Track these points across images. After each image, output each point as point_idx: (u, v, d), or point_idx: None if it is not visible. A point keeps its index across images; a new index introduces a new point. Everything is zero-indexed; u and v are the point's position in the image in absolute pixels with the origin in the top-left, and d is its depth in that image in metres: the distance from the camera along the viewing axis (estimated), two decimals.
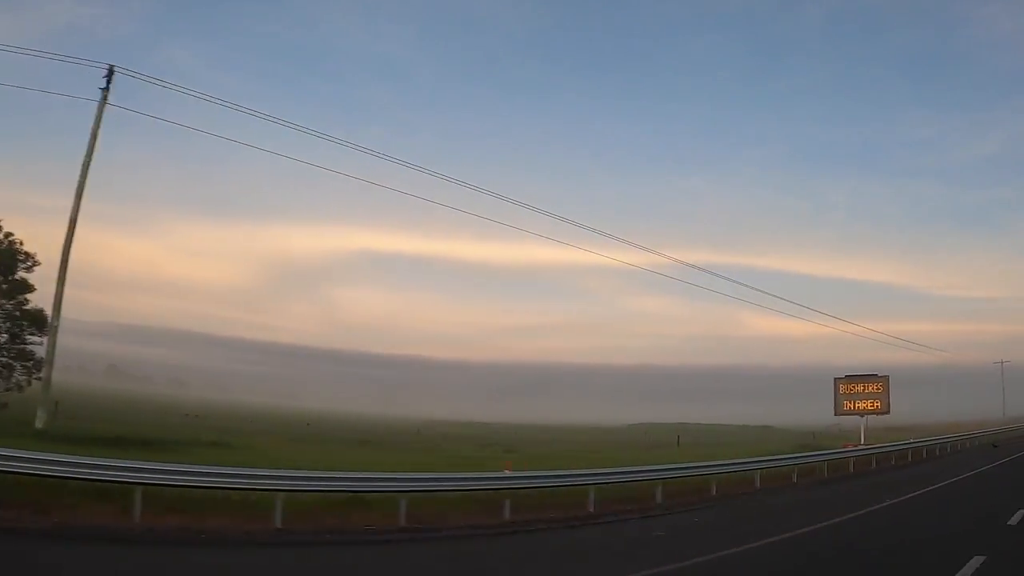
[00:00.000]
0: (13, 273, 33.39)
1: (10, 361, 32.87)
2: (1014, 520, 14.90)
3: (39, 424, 25.26)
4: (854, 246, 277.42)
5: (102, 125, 27.44)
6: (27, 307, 33.30)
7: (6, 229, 33.56)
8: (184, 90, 29.45)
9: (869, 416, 44.03)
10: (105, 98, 27.27)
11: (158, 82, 27.35)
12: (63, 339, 27.75)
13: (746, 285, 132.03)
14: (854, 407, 44.38)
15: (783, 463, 26.96)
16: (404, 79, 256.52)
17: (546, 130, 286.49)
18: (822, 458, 30.54)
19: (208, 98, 29.21)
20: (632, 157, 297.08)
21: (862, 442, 40.46)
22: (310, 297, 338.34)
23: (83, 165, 27.56)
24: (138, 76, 26.70)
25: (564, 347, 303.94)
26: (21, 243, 33.71)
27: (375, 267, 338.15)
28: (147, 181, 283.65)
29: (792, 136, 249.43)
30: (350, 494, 15.44)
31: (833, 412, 45.83)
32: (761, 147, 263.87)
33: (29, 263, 33.54)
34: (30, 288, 33.51)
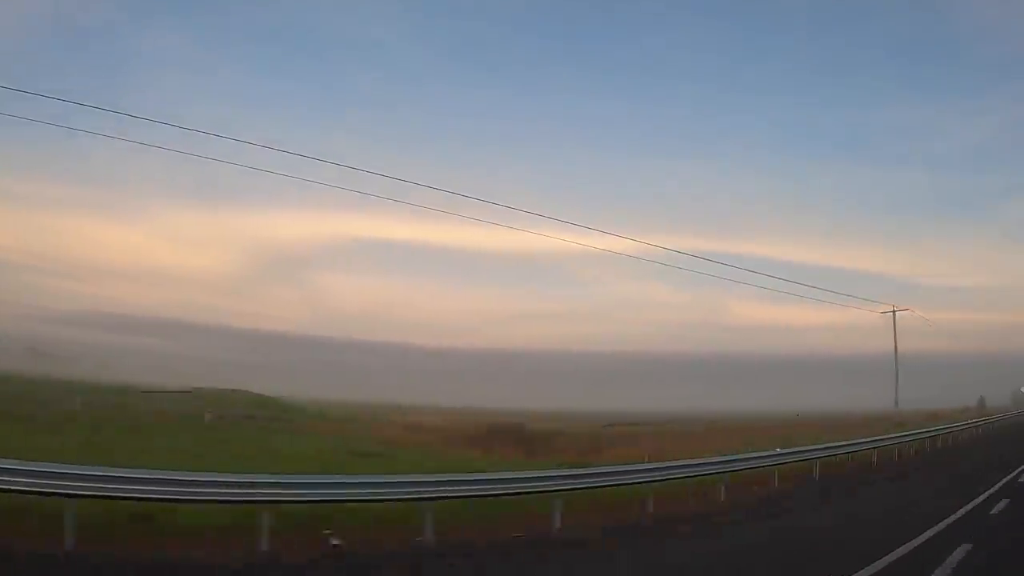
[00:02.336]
0: None
1: None
2: None
3: None
4: (840, 233, 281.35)
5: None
6: None
7: None
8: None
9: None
10: None
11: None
12: None
13: (735, 267, 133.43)
14: None
15: None
16: (389, 60, 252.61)
17: (532, 114, 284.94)
18: None
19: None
20: (617, 141, 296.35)
21: None
22: (294, 284, 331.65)
23: None
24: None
25: (553, 334, 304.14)
26: None
27: (361, 253, 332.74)
28: (130, 167, 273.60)
29: (778, 122, 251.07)
30: None
31: None
32: (747, 132, 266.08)
33: None
34: None
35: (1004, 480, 19.54)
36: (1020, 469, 22.04)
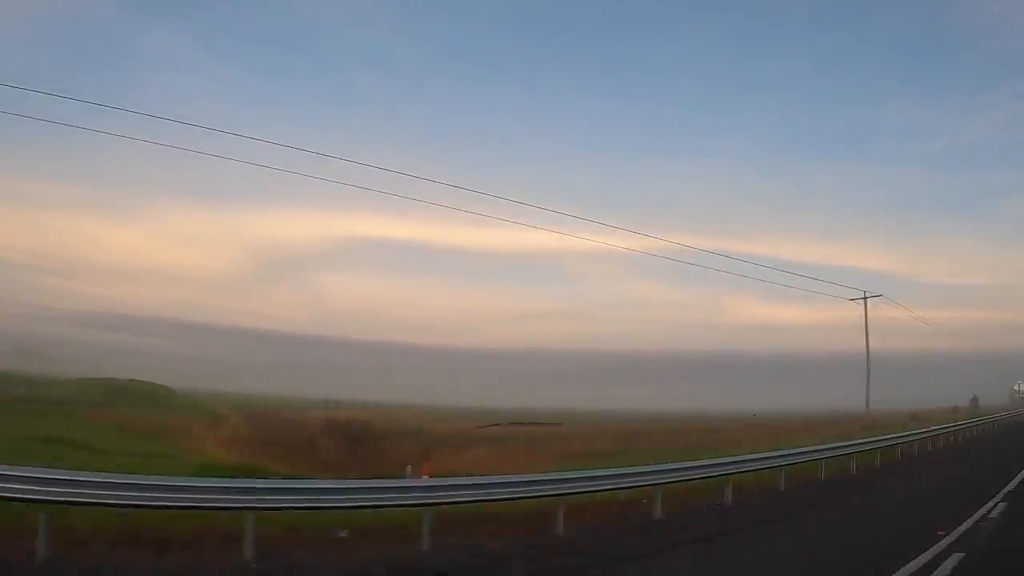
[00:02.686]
0: None
1: None
2: None
3: None
4: (840, 232, 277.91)
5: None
6: None
7: None
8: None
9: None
10: None
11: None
12: None
13: (720, 255, 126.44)
14: None
15: None
16: (389, 59, 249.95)
17: (531, 112, 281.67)
18: None
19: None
20: (616, 139, 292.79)
21: None
22: (294, 283, 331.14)
23: None
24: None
25: (551, 333, 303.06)
26: None
27: (361, 253, 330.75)
28: (131, 166, 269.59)
29: (777, 121, 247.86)
30: None
31: None
32: (747, 131, 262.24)
33: None
34: None
35: (926, 555, 9.64)
36: (972, 520, 12.24)
